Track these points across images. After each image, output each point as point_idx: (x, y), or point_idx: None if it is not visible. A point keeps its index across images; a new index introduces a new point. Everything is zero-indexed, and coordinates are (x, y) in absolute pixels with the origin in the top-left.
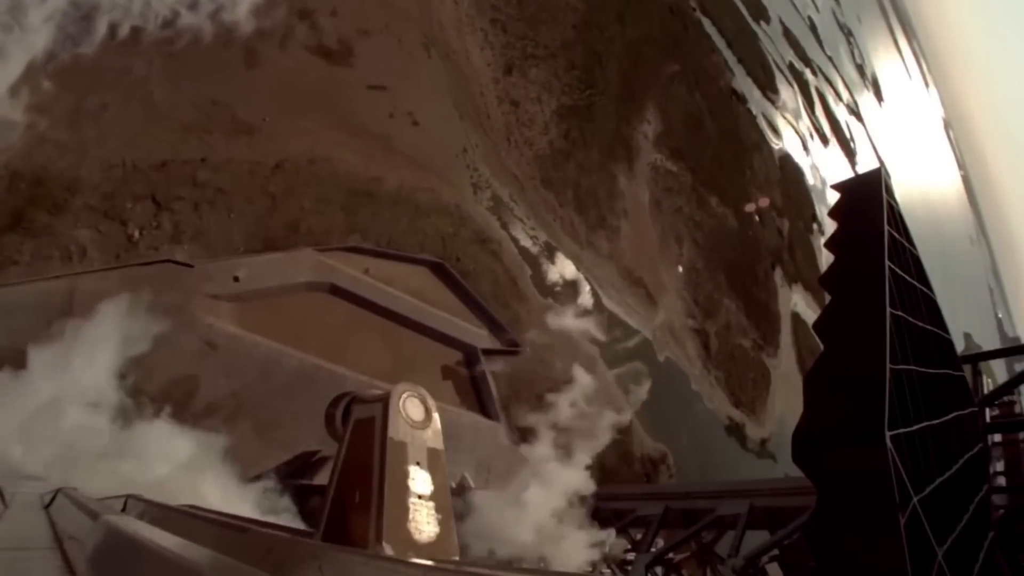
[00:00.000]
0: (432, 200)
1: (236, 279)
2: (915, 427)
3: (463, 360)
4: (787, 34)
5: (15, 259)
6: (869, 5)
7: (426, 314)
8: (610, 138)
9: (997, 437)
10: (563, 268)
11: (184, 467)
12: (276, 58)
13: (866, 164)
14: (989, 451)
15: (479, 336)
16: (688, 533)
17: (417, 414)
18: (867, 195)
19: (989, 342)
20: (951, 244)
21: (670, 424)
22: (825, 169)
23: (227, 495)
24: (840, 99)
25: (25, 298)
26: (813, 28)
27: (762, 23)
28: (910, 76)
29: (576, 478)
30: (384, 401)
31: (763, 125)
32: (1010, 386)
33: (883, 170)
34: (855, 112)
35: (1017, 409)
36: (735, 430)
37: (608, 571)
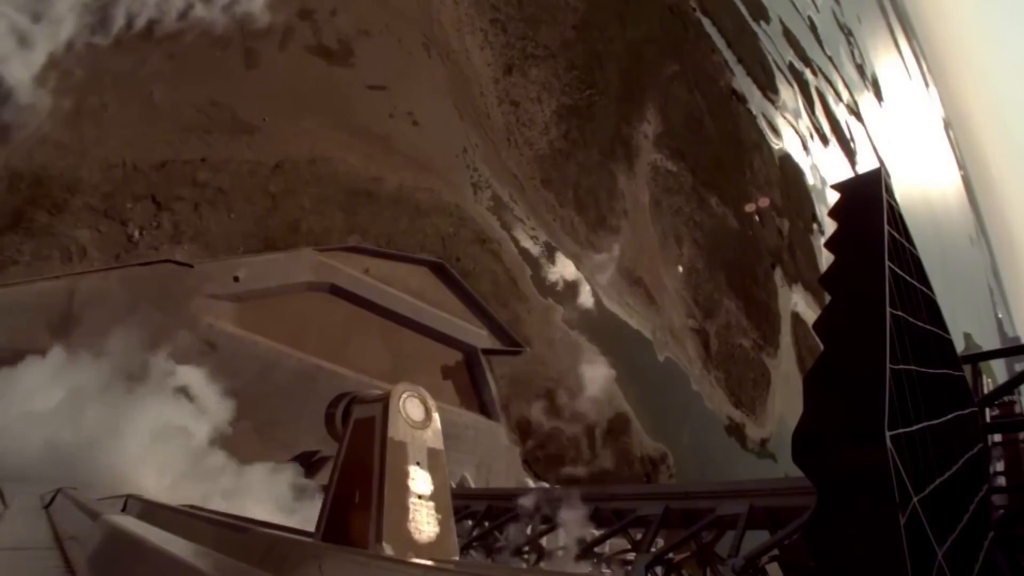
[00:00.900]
0: (432, 200)
1: (236, 279)
2: (915, 427)
3: (463, 360)
4: (787, 34)
5: (15, 259)
6: (869, 5)
7: (426, 314)
8: (610, 138)
9: (997, 437)
10: (563, 268)
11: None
12: (276, 58)
13: (866, 164)
14: (989, 451)
15: (479, 336)
16: (688, 533)
17: (417, 414)
18: (867, 195)
19: (989, 342)
20: (951, 244)
21: (670, 424)
22: (825, 169)
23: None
24: (840, 99)
25: (25, 298)
26: (813, 28)
27: (762, 23)
28: (910, 76)
29: None
30: (384, 401)
31: (763, 125)
32: (1010, 386)
33: (883, 170)
34: (855, 112)
35: (1017, 409)
36: (735, 430)
37: (608, 571)
